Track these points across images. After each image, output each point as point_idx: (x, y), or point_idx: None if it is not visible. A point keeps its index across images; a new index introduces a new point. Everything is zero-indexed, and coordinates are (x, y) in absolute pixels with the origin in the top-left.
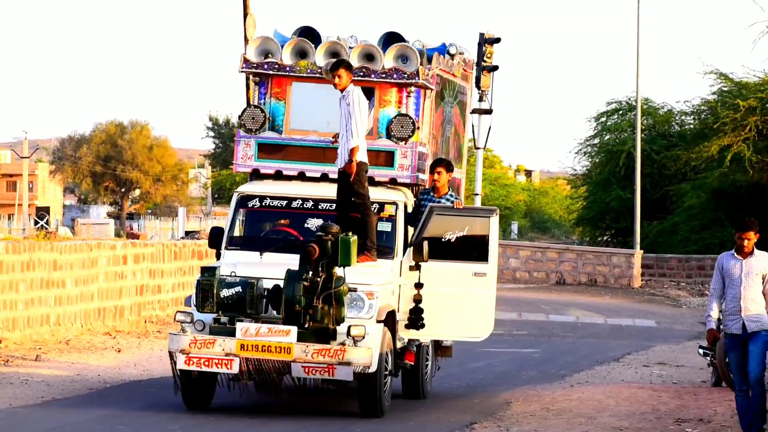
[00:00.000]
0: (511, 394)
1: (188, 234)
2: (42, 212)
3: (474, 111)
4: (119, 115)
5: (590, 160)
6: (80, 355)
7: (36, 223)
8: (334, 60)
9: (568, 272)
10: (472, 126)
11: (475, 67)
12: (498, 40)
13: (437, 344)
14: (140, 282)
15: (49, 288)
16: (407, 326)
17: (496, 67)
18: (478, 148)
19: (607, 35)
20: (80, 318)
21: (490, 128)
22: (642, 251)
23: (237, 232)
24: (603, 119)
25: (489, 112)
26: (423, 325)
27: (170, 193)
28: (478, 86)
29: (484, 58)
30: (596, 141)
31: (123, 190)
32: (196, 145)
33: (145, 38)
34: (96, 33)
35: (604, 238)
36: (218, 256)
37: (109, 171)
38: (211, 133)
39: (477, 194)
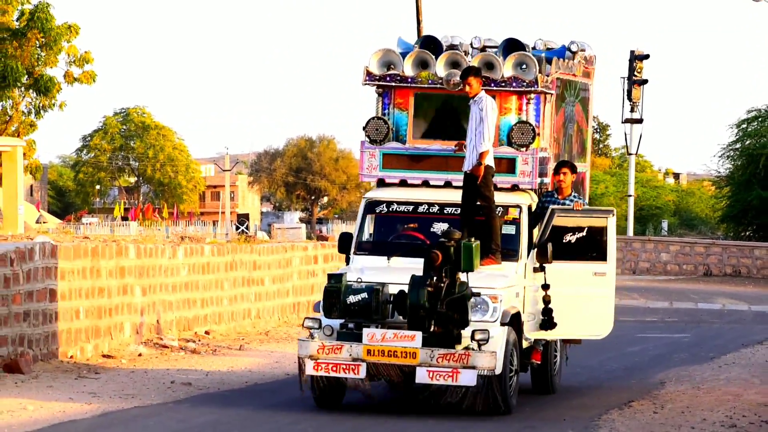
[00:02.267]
0: (664, 375)
1: None
2: (242, 218)
3: (626, 120)
4: (309, 131)
5: (732, 163)
6: (278, 344)
7: (237, 228)
8: (458, 70)
9: (714, 264)
10: (625, 134)
11: (626, 81)
12: (647, 57)
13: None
14: None
15: (249, 286)
16: (541, 327)
17: (645, 81)
18: (630, 154)
19: (747, 46)
20: (277, 312)
21: (641, 136)
22: None
23: (365, 237)
24: (744, 125)
25: (640, 121)
26: (555, 325)
27: (355, 199)
28: (629, 98)
29: (635, 73)
30: (738, 145)
31: (313, 197)
32: None
33: (334, 60)
34: (286, 58)
35: (747, 233)
36: (347, 261)
37: (300, 181)
38: None
39: (630, 195)
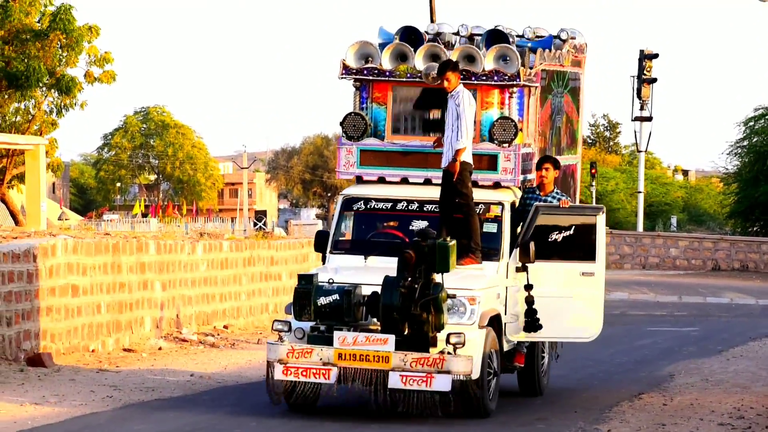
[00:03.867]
0: (674, 368)
1: None
2: (260, 215)
3: (636, 119)
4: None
5: (740, 160)
6: None
7: (255, 224)
8: (437, 63)
9: (722, 259)
10: (635, 132)
11: (636, 80)
12: (656, 56)
13: None
14: None
15: (267, 281)
16: (525, 329)
17: (654, 80)
18: (640, 151)
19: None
20: None
21: (650, 133)
22: None
23: (342, 236)
24: (751, 123)
25: (649, 119)
26: (540, 327)
27: None
28: (639, 97)
29: (644, 72)
30: (745, 143)
31: (329, 194)
32: None
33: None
34: (303, 57)
35: (754, 228)
36: (323, 260)
37: (316, 178)
38: None
39: (640, 192)
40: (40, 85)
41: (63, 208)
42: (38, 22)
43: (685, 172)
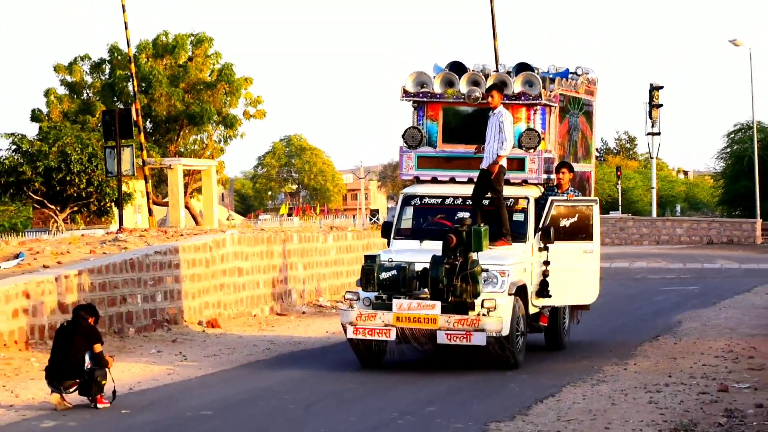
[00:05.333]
0: (681, 316)
1: None
2: (374, 212)
3: (648, 134)
4: None
5: (725, 162)
6: None
7: (370, 219)
8: (477, 87)
9: (714, 235)
10: (648, 144)
11: (647, 105)
12: (661, 87)
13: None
14: None
15: None
16: (537, 295)
17: (661, 105)
18: (652, 158)
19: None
20: None
21: (659, 144)
22: (762, 220)
23: (403, 225)
24: (732, 135)
25: (658, 134)
26: (549, 294)
27: None
28: (650, 118)
29: (653, 99)
30: (728, 150)
31: None
32: None
33: None
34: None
35: (736, 212)
36: (388, 244)
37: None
38: None
39: (653, 188)
40: (211, 122)
41: (230, 211)
42: (209, 76)
43: (686, 172)
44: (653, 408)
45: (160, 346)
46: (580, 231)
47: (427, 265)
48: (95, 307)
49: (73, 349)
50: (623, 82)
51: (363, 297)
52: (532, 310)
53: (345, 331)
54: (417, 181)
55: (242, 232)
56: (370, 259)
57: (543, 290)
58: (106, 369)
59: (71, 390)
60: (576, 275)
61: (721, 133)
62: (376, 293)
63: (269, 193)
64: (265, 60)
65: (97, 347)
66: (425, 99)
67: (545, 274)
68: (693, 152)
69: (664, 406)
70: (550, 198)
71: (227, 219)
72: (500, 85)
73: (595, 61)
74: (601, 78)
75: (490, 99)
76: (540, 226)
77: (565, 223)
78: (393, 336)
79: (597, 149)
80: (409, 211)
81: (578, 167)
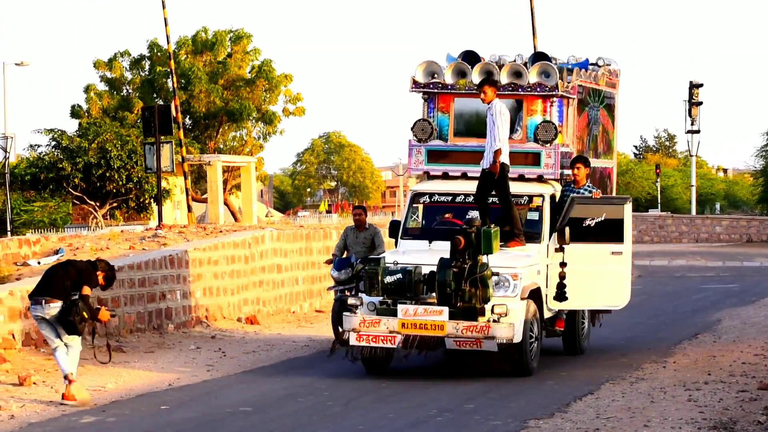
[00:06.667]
0: (720, 314)
1: None
2: None
3: (688, 131)
4: None
5: (765, 160)
6: None
7: None
8: (482, 79)
9: (754, 234)
10: (687, 142)
11: (687, 103)
12: (701, 85)
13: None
14: None
15: None
16: (554, 299)
17: (701, 103)
18: (692, 156)
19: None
20: None
21: (699, 142)
22: None
23: (412, 225)
24: None
25: (698, 132)
26: (566, 298)
27: None
28: (690, 115)
29: (693, 97)
30: None
31: None
32: None
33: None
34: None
35: None
36: (396, 244)
37: None
38: None
39: (692, 186)
40: (250, 119)
41: (269, 208)
42: (248, 72)
43: (725, 170)
44: (692, 406)
45: (199, 342)
46: (609, 231)
47: (435, 268)
48: (113, 269)
49: (66, 274)
50: (663, 79)
51: (367, 302)
52: (547, 314)
53: (348, 338)
54: (427, 176)
55: (281, 229)
56: (374, 262)
57: (559, 293)
58: (94, 320)
59: (52, 306)
60: (600, 278)
61: (760, 131)
62: (380, 298)
63: (308, 189)
64: (305, 57)
65: (86, 289)
66: (436, 90)
67: (562, 276)
68: (732, 150)
69: (703, 404)
70: (572, 195)
71: (266, 215)
72: (491, 80)
73: (635, 57)
74: (639, 74)
75: (482, 96)
76: (557, 225)
77: (589, 222)
78: (398, 343)
79: (636, 147)
80: (419, 210)
81: (599, 163)
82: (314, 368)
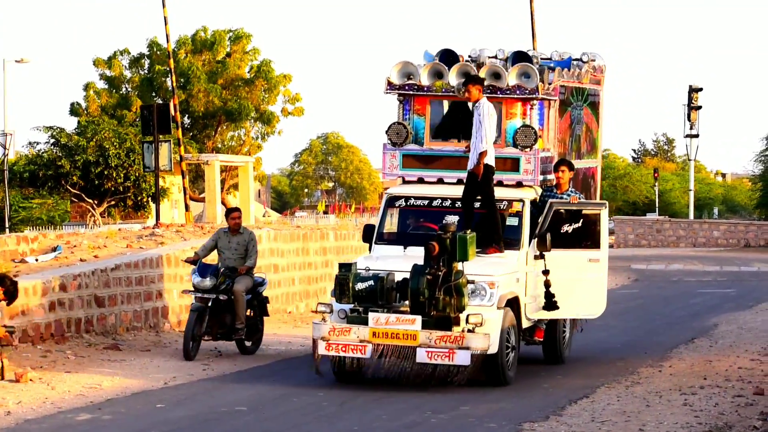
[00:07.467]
0: (717, 319)
1: None
2: None
3: (687, 136)
4: None
5: (764, 165)
6: None
7: None
8: (465, 78)
9: (752, 239)
10: (686, 146)
11: (686, 107)
12: (701, 89)
13: None
14: None
15: None
16: (544, 308)
17: (700, 107)
18: (690, 160)
19: None
20: None
21: (697, 147)
22: None
23: (387, 230)
24: None
25: (696, 136)
26: (557, 307)
27: None
28: (689, 120)
29: (692, 101)
30: (767, 152)
31: None
32: None
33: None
34: None
35: None
36: (370, 250)
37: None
38: None
39: (691, 190)
40: (249, 118)
41: (266, 208)
42: (247, 72)
43: (723, 175)
44: (688, 410)
45: None
46: (586, 237)
47: (407, 276)
48: (15, 284)
49: None
50: (662, 83)
51: (337, 309)
52: (526, 324)
53: (315, 347)
54: (402, 181)
55: (278, 229)
56: (345, 268)
57: (549, 302)
58: None
59: None
60: (578, 286)
61: (759, 136)
62: (351, 305)
63: (305, 190)
64: (304, 57)
65: None
66: (411, 92)
67: (548, 284)
68: (731, 155)
69: (699, 409)
70: (550, 201)
71: (263, 215)
72: (475, 77)
73: (635, 60)
74: (639, 77)
75: (467, 95)
76: (537, 231)
77: (567, 228)
78: (369, 353)
79: (634, 150)
80: (394, 214)
81: (582, 163)
82: (309, 368)
